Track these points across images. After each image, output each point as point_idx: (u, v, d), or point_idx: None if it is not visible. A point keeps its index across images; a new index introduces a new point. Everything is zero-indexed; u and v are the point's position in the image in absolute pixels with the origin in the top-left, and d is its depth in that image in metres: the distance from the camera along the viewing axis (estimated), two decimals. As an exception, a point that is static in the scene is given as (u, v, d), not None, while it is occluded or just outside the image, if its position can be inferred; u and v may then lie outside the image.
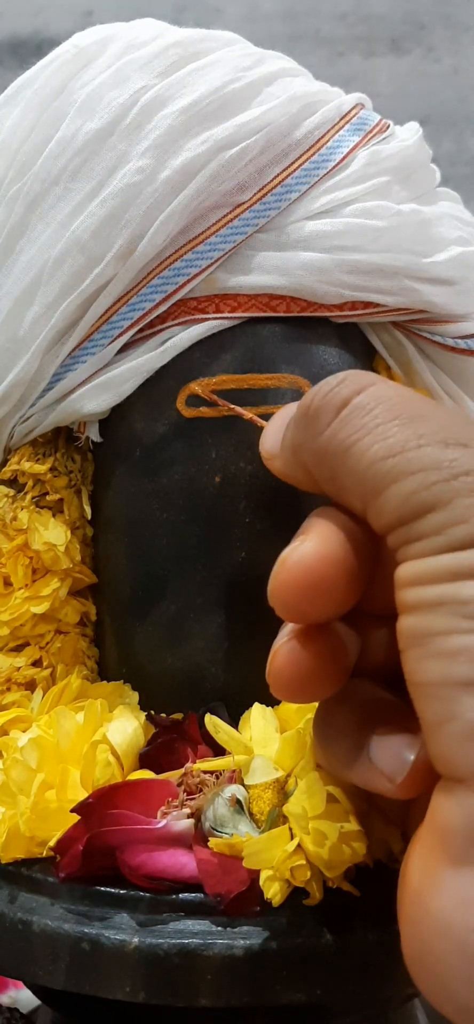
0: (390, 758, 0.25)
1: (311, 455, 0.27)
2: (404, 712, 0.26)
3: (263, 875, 0.30)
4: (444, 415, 0.24)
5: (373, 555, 0.27)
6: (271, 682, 0.27)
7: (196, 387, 0.34)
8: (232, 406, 0.35)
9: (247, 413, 0.32)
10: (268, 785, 0.32)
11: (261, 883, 0.30)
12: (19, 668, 0.37)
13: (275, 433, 0.30)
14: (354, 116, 0.39)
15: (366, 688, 0.28)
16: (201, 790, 0.32)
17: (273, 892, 0.29)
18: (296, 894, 0.30)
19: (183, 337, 0.36)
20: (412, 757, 0.25)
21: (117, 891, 0.31)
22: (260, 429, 0.32)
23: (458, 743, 0.22)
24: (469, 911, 0.21)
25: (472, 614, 0.22)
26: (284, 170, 0.37)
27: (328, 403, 0.26)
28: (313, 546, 0.26)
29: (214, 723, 0.33)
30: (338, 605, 0.26)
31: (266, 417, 0.33)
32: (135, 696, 0.37)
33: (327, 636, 0.27)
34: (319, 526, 0.26)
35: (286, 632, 0.27)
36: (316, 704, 0.29)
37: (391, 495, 0.24)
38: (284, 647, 0.27)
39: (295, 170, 0.37)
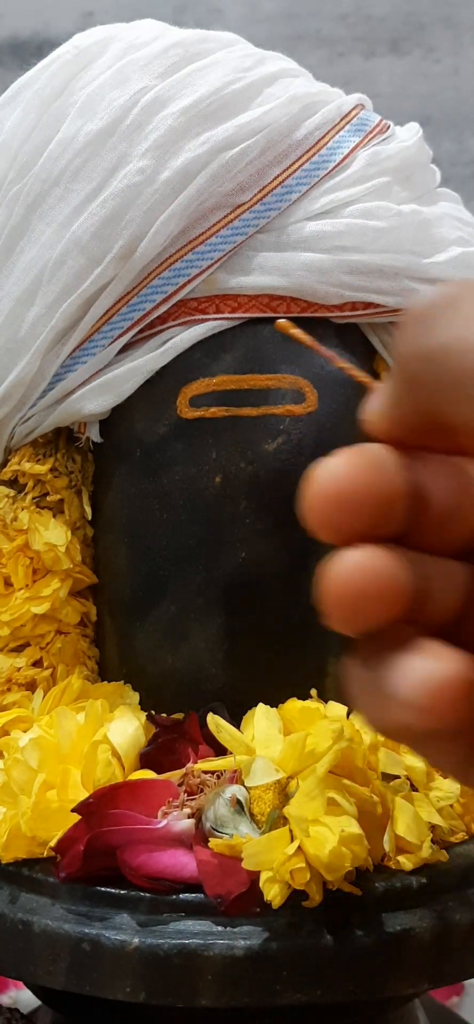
0: (412, 677, 0.23)
1: (419, 359, 0.24)
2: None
3: (263, 877, 0.30)
4: None
5: (419, 494, 0.26)
6: (334, 591, 0.25)
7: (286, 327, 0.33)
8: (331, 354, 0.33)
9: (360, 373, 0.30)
10: (269, 786, 0.32)
11: (261, 885, 0.30)
12: (20, 668, 0.37)
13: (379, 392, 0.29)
14: (354, 117, 0.39)
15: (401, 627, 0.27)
16: (202, 790, 0.32)
17: (273, 894, 0.29)
18: (296, 895, 0.30)
19: (183, 337, 0.36)
20: (433, 672, 0.23)
21: (117, 891, 0.31)
22: (260, 430, 0.32)
23: None
24: None
25: None
26: (284, 171, 0.37)
27: (437, 300, 0.24)
28: (341, 459, 0.25)
29: (217, 723, 0.33)
30: (373, 521, 0.25)
31: (266, 417, 0.33)
32: (136, 696, 0.37)
33: (388, 553, 0.25)
34: (350, 449, 0.26)
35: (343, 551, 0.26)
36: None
37: None
38: (351, 552, 0.25)
39: (295, 171, 0.37)
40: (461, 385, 0.23)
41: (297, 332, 0.29)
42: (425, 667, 0.23)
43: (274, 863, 0.29)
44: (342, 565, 0.24)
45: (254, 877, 0.30)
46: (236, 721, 0.35)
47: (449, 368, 0.23)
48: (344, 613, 0.24)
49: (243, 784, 0.32)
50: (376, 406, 0.26)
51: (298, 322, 0.37)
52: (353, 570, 0.24)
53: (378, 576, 0.24)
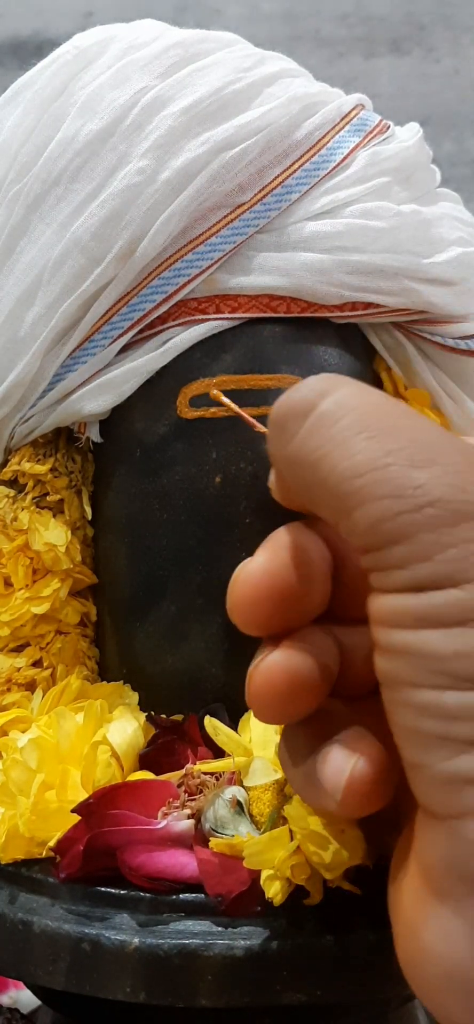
0: (331, 776, 0.25)
1: (283, 464, 0.26)
2: (351, 722, 0.25)
3: (264, 875, 0.30)
4: (414, 426, 0.23)
5: (337, 563, 0.26)
6: (257, 694, 0.26)
7: (216, 394, 0.34)
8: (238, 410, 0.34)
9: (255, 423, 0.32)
10: (268, 787, 0.32)
11: (262, 882, 0.30)
12: (19, 668, 0.37)
13: None
14: (354, 117, 0.39)
15: (325, 705, 0.27)
16: (201, 791, 0.32)
17: (274, 891, 0.29)
18: (296, 894, 0.30)
19: (183, 338, 0.36)
20: (348, 770, 0.24)
21: (117, 891, 0.31)
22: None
23: (432, 788, 0.22)
24: (453, 944, 0.22)
25: (438, 668, 0.21)
26: (284, 171, 0.37)
27: (294, 409, 0.25)
28: (258, 562, 0.26)
29: (214, 725, 0.33)
30: (296, 613, 0.26)
31: (266, 417, 0.33)
32: (135, 696, 0.37)
33: (308, 644, 0.26)
34: (269, 542, 0.27)
35: (263, 651, 0.26)
36: None
37: (360, 518, 0.23)
38: (270, 656, 0.26)
39: (295, 171, 0.37)
40: (309, 490, 0.25)
41: (225, 400, 0.31)
42: (341, 762, 0.25)
43: (275, 861, 0.29)
44: (262, 668, 0.26)
45: (255, 876, 0.30)
46: (237, 722, 0.35)
47: (301, 476, 0.25)
48: (266, 711, 0.26)
49: (242, 785, 0.32)
50: (271, 480, 0.28)
51: (298, 322, 0.37)
52: (272, 673, 0.26)
53: (294, 677, 0.25)
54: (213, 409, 0.36)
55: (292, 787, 0.28)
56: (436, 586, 0.22)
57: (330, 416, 0.24)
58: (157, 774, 0.34)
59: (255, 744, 0.33)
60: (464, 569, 0.21)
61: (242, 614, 0.26)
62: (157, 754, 0.35)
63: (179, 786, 0.33)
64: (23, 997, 0.49)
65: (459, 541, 0.21)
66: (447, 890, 0.22)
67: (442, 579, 0.21)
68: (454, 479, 0.22)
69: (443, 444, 0.23)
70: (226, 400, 0.31)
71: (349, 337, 0.38)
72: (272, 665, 0.25)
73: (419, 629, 0.22)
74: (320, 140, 0.38)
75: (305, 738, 0.26)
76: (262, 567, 0.26)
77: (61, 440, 0.39)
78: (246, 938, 0.30)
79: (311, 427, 0.24)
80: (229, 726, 0.34)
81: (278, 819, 0.31)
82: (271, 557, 0.26)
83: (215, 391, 0.31)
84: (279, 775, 0.32)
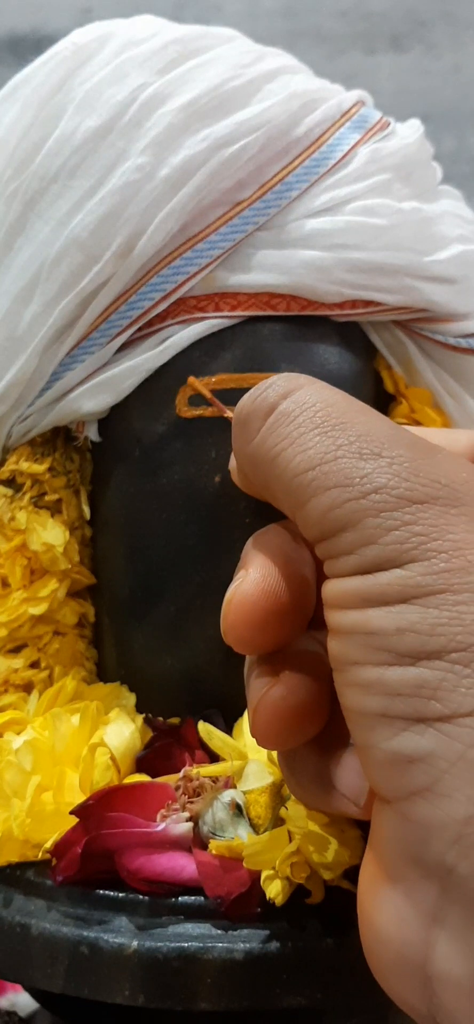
0: (351, 780, 0.25)
1: (246, 462, 0.27)
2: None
3: (263, 875, 0.30)
4: (365, 421, 0.24)
5: (318, 565, 0.27)
6: (265, 732, 0.26)
7: (195, 384, 0.34)
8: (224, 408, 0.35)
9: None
10: (264, 789, 0.32)
11: (262, 883, 0.30)
12: (17, 670, 0.37)
13: None
14: (355, 113, 0.39)
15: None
16: (199, 794, 0.32)
17: (275, 891, 0.29)
18: (296, 897, 0.30)
19: (182, 336, 0.36)
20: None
21: (116, 894, 0.31)
22: None
23: (379, 769, 0.22)
24: (404, 927, 0.22)
25: (381, 645, 0.22)
26: (284, 168, 0.37)
27: (257, 408, 0.26)
28: (253, 581, 0.26)
29: (208, 730, 0.33)
30: (292, 627, 0.26)
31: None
32: (132, 698, 0.37)
33: (306, 665, 0.27)
34: (258, 554, 0.27)
35: (264, 681, 0.26)
36: None
37: (311, 509, 0.24)
38: (273, 691, 0.26)
39: (295, 168, 0.37)
40: (268, 486, 0.26)
41: (205, 392, 0.33)
42: (359, 767, 0.25)
43: (275, 862, 0.29)
44: (268, 704, 0.26)
45: (255, 877, 0.30)
46: (234, 721, 0.35)
47: (262, 472, 0.26)
48: (275, 745, 0.27)
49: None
50: (231, 464, 0.29)
51: (298, 320, 0.37)
52: (278, 709, 0.26)
53: (300, 707, 0.26)
54: (212, 409, 0.36)
55: (296, 796, 0.28)
56: (381, 567, 0.23)
57: (288, 414, 0.25)
58: (153, 778, 0.34)
59: (250, 747, 0.33)
60: (406, 550, 0.22)
61: (240, 637, 0.26)
62: (154, 758, 0.34)
63: (177, 789, 0.32)
64: (21, 1000, 0.48)
65: (401, 524, 0.22)
66: (399, 874, 0.22)
67: (386, 560, 0.23)
68: (398, 468, 0.23)
69: (390, 437, 0.24)
70: (206, 392, 0.31)
71: (349, 335, 0.38)
72: (278, 700, 0.26)
73: (365, 608, 0.23)
74: (320, 137, 0.37)
75: (310, 746, 0.26)
76: (257, 586, 0.26)
77: (59, 439, 0.38)
78: (246, 941, 0.29)
79: (270, 425, 0.25)
80: (224, 730, 0.34)
81: (277, 821, 0.31)
82: (264, 574, 0.26)
83: (200, 386, 0.31)
84: (274, 778, 0.32)
